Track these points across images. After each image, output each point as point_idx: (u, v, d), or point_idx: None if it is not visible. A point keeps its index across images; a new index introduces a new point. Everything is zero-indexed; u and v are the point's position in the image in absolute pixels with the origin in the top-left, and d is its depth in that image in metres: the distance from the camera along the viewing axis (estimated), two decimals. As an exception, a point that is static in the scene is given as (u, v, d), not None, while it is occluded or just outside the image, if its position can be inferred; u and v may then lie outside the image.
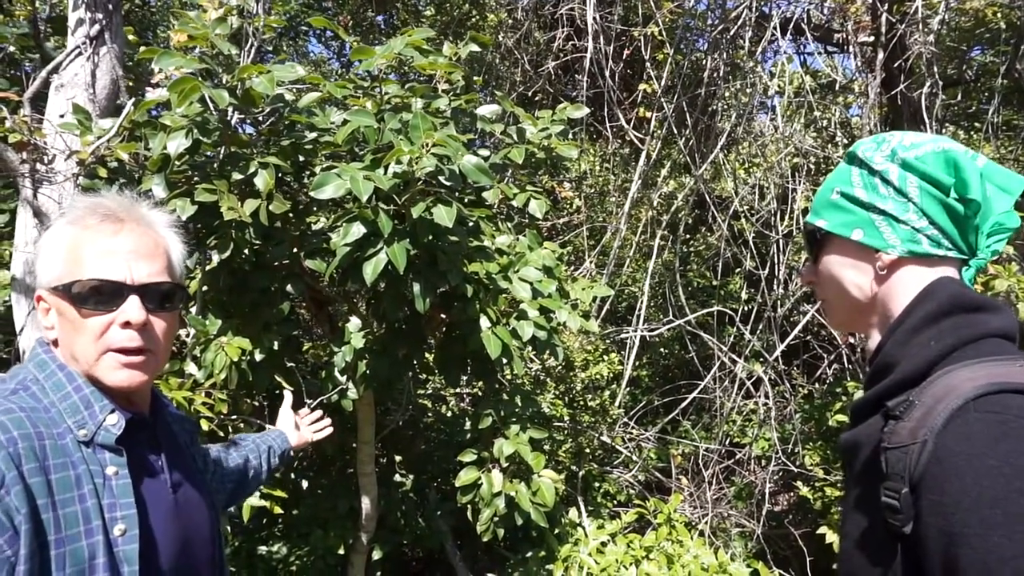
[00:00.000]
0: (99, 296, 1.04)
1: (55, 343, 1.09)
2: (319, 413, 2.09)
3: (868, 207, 0.96)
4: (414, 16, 6.96)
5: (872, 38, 4.57)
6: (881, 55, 4.11)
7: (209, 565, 1.22)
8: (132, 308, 1.05)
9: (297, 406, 2.61)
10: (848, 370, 5.25)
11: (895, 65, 4.17)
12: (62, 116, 2.58)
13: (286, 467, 3.54)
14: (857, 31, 4.81)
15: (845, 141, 5.25)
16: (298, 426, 1.99)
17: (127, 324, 1.05)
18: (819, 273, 1.06)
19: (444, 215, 2.06)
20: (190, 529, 1.17)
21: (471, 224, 2.48)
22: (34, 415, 0.99)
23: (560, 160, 2.93)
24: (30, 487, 0.92)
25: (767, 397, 5.03)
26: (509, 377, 2.94)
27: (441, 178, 2.17)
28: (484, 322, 2.44)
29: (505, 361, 2.45)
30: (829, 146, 5.99)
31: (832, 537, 3.62)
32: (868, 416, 0.93)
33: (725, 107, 5.61)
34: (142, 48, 2.31)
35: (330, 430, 2.07)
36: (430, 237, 2.23)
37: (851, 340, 4.27)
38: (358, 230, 2.10)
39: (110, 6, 2.75)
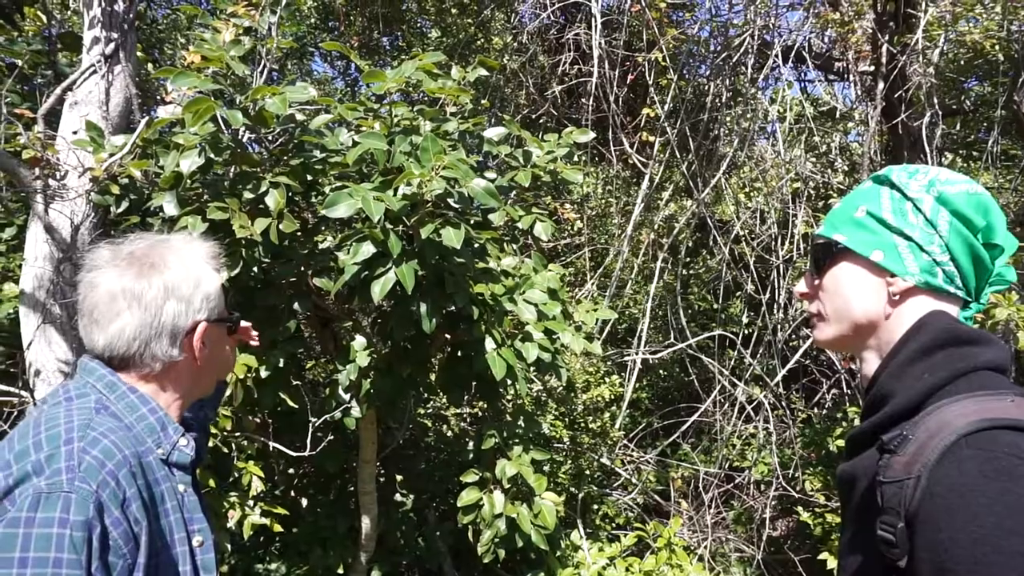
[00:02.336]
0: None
1: (192, 367, 1.18)
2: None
3: (894, 231, 0.97)
4: (419, 38, 7.05)
5: (872, 67, 4.64)
6: (882, 85, 4.17)
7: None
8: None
9: (301, 424, 2.61)
10: (847, 395, 5.27)
11: (896, 95, 4.23)
12: (75, 133, 2.61)
13: (287, 485, 3.53)
14: (857, 60, 4.89)
15: (845, 167, 5.31)
16: None
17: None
18: (821, 286, 1.06)
19: (452, 237, 2.09)
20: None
21: (477, 246, 2.50)
22: (127, 434, 1.06)
23: (565, 183, 2.96)
24: (144, 501, 1.00)
25: (767, 421, 5.03)
26: (510, 398, 2.95)
27: (450, 200, 2.20)
28: (489, 343, 2.46)
29: (509, 382, 2.46)
30: (829, 172, 6.05)
31: (833, 563, 3.61)
32: (864, 448, 0.93)
33: (727, 132, 5.67)
34: (151, 66, 2.35)
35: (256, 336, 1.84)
36: (437, 258, 2.25)
37: (852, 366, 4.27)
38: (368, 249, 2.13)
39: (125, 25, 2.79)
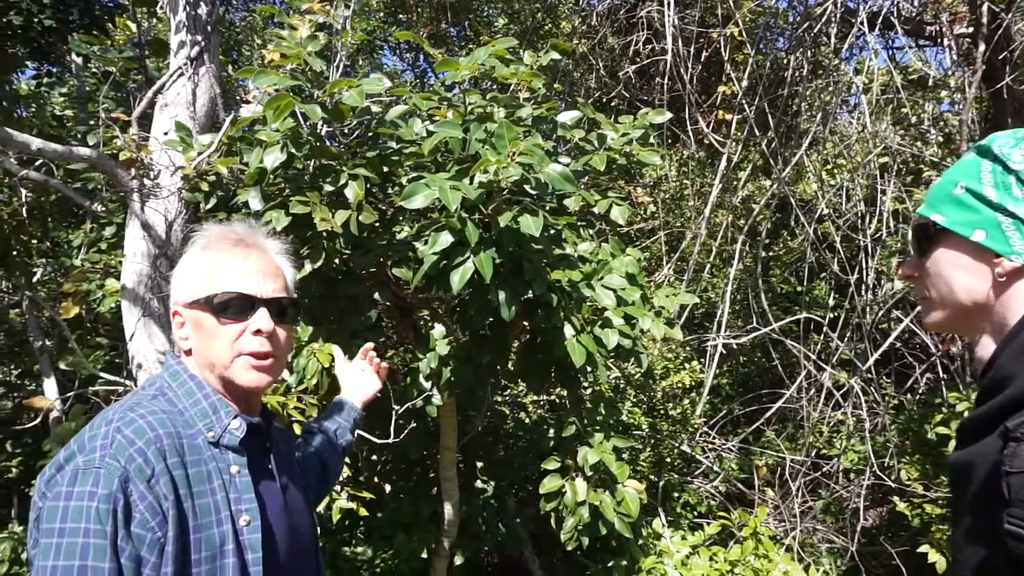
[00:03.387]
0: (235, 307, 1.18)
1: (188, 353, 1.22)
2: (372, 351, 1.83)
3: (996, 207, 0.89)
4: (486, 27, 7.04)
5: (971, 29, 4.33)
6: (983, 47, 3.88)
7: (314, 562, 1.33)
8: (262, 318, 1.19)
9: (383, 412, 2.64)
10: (943, 380, 4.97)
11: (999, 57, 3.93)
12: (166, 134, 2.73)
13: (370, 472, 3.61)
14: (952, 23, 4.57)
15: (940, 139, 4.99)
16: (357, 380, 1.79)
17: (258, 331, 1.18)
18: (925, 269, 0.99)
19: (531, 224, 2.07)
20: (298, 528, 1.27)
21: (554, 232, 2.48)
22: (173, 417, 1.11)
23: (641, 166, 2.89)
24: (174, 478, 1.04)
25: (856, 407, 4.81)
26: (588, 385, 2.92)
27: (526, 187, 2.18)
28: (568, 330, 2.43)
29: (589, 369, 2.43)
30: (920, 144, 5.70)
31: (935, 557, 3.43)
32: (981, 435, 0.86)
33: (807, 107, 5.42)
34: (230, 68, 2.42)
35: (385, 364, 1.87)
36: (515, 246, 2.24)
37: (953, 348, 4.03)
38: (446, 239, 2.13)
39: (209, 28, 2.89)
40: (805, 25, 4.66)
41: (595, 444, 2.61)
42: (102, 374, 2.85)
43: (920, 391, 5.57)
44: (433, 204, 2.24)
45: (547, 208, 2.65)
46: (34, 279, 4.68)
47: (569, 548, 2.62)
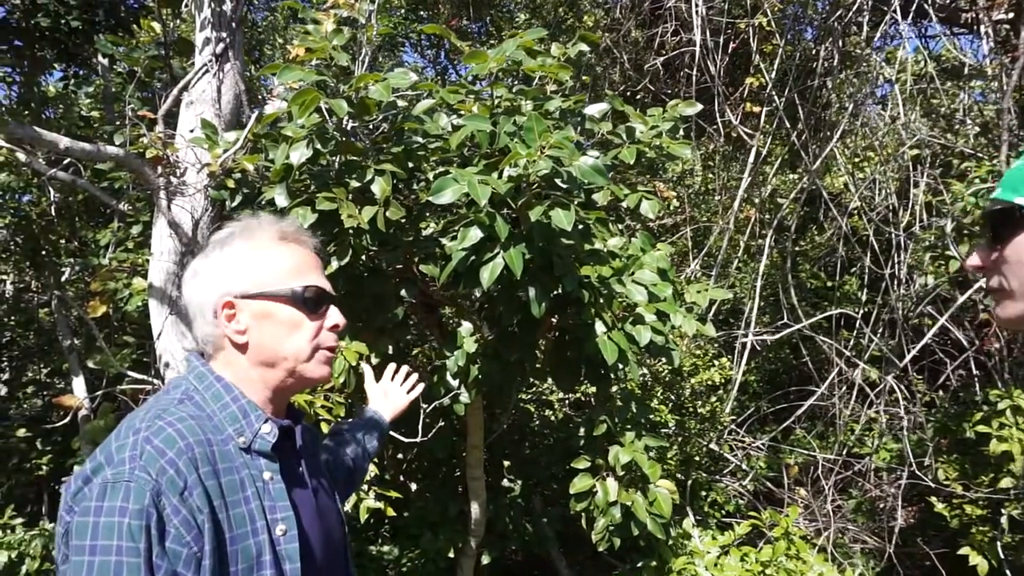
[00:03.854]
0: (319, 301, 1.16)
1: (243, 348, 1.15)
2: (406, 369, 1.89)
3: None
4: (508, 22, 6.99)
5: (1010, 15, 4.20)
6: None
7: (344, 564, 1.29)
8: (338, 314, 1.19)
9: (409, 411, 2.61)
10: (977, 376, 4.84)
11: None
12: (192, 131, 2.71)
13: (396, 470, 3.59)
14: (990, 8, 4.43)
15: (976, 128, 4.85)
16: (387, 393, 1.82)
17: (335, 327, 1.18)
18: (1002, 257, 0.91)
19: (563, 218, 2.02)
20: (330, 530, 1.23)
21: (583, 227, 2.43)
22: (202, 423, 1.06)
23: (672, 158, 2.83)
24: (207, 489, 0.99)
25: (889, 405, 4.71)
26: (616, 382, 2.86)
27: (557, 180, 2.13)
28: (599, 326, 2.38)
29: (621, 367, 2.38)
30: (951, 135, 5.55)
31: (976, 559, 3.33)
32: None
33: (837, 98, 5.30)
34: (253, 68, 2.39)
35: (422, 385, 1.90)
36: (545, 241, 2.19)
37: (995, 344, 3.91)
38: (475, 234, 2.09)
39: (233, 24, 2.88)
40: (837, 14, 4.54)
41: (626, 443, 2.56)
42: (129, 372, 2.85)
43: (951, 388, 5.43)
44: (460, 200, 2.21)
45: (575, 203, 2.60)
46: (63, 279, 4.73)
47: (601, 549, 2.57)
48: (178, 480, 0.96)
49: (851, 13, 4.68)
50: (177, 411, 1.05)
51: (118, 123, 3.88)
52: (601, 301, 2.41)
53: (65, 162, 3.43)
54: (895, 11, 4.51)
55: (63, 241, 4.79)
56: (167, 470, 0.96)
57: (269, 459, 1.10)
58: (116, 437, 1.01)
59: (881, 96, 5.79)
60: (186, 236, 2.62)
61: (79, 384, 4.50)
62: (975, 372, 4.96)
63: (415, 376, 1.88)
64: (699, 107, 2.89)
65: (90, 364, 4.26)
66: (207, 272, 1.16)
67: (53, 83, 4.95)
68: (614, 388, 2.84)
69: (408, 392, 1.86)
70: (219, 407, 1.10)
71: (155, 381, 2.66)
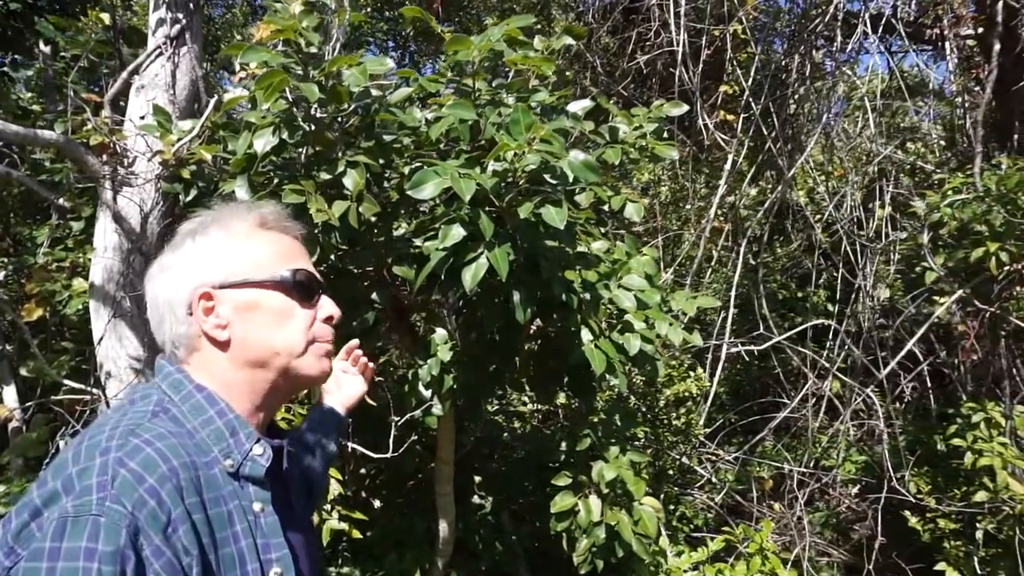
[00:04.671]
0: (307, 290, 1.01)
1: (224, 345, 0.96)
2: (357, 353, 1.58)
3: None
4: (476, 24, 6.85)
5: (980, 30, 4.24)
6: (997, 46, 3.78)
7: None
8: (332, 304, 1.04)
9: (376, 423, 2.41)
10: (931, 389, 4.86)
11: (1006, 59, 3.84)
12: (142, 118, 2.48)
13: (358, 486, 3.38)
14: (956, 24, 4.49)
15: (942, 143, 4.90)
16: (340, 384, 1.54)
17: (330, 319, 1.04)
18: None
19: (555, 216, 1.87)
20: (314, 559, 1.05)
21: (570, 228, 2.28)
22: (183, 441, 0.86)
23: (656, 160, 2.72)
24: (195, 524, 0.80)
25: (857, 417, 4.69)
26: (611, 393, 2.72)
27: (547, 176, 1.98)
28: (586, 334, 2.24)
29: (608, 377, 2.24)
30: (918, 148, 5.62)
31: (953, 574, 3.28)
32: None
33: (806, 110, 5.31)
34: (209, 64, 2.20)
35: (372, 367, 1.63)
36: (531, 241, 2.04)
37: (973, 356, 3.91)
38: (458, 232, 1.93)
39: (191, 5, 2.66)
40: (811, 25, 4.53)
41: (611, 459, 2.42)
42: (66, 381, 2.59)
43: (906, 400, 5.47)
44: (438, 197, 2.04)
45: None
46: (5, 279, 4.37)
47: (583, 571, 2.41)
48: (160, 514, 0.77)
49: (815, 25, 4.69)
50: (153, 426, 0.85)
51: (59, 111, 3.59)
52: (588, 307, 2.27)
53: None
54: (865, 23, 4.53)
55: (-3, 239, 4.45)
56: (147, 501, 0.76)
57: (260, 486, 0.91)
58: (74, 459, 0.79)
59: (847, 109, 5.85)
60: (133, 231, 2.38)
61: (10, 393, 4.15)
62: (929, 385, 4.99)
63: (364, 360, 1.60)
64: (685, 108, 2.79)
65: (23, 372, 3.93)
66: (178, 265, 0.98)
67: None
68: (604, 399, 2.70)
69: (363, 373, 1.57)
70: (200, 422, 0.90)
71: (94, 391, 2.41)
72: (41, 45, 4.19)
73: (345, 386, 1.52)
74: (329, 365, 1.03)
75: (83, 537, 0.72)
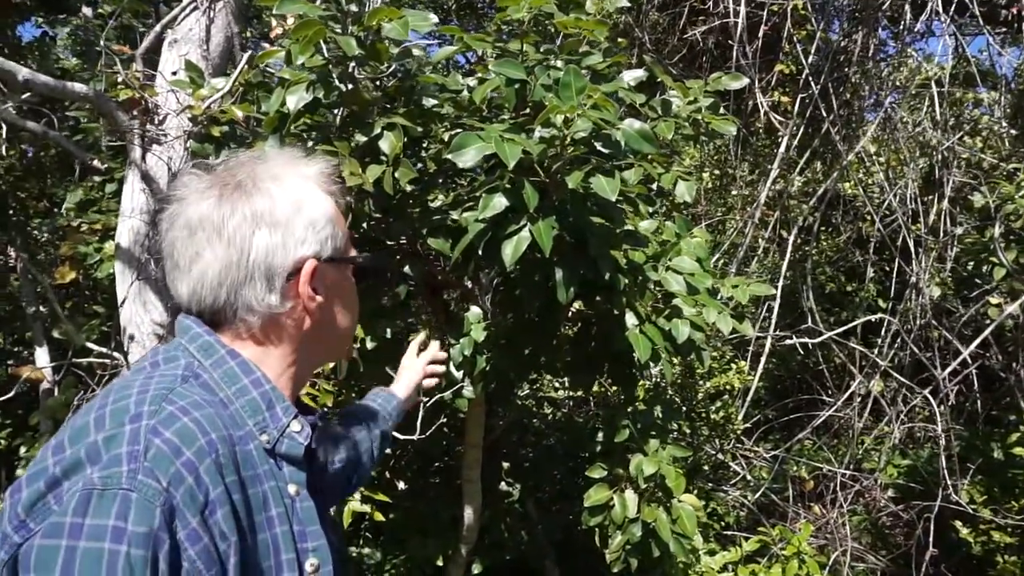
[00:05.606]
0: (364, 272, 0.97)
1: (312, 324, 0.86)
2: (422, 339, 1.58)
3: None
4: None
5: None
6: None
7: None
8: None
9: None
10: (976, 392, 4.60)
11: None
12: (174, 73, 2.38)
13: (384, 467, 3.28)
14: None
15: (1014, 132, 4.61)
16: (404, 368, 1.52)
17: None
18: None
19: (606, 187, 1.72)
20: (343, 556, 0.93)
21: (620, 202, 2.12)
22: (219, 411, 0.75)
23: (714, 136, 2.54)
24: (234, 506, 0.69)
25: (905, 419, 4.48)
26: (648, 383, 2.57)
27: (597, 145, 1.83)
28: (630, 319, 2.08)
29: (653, 365, 2.08)
30: (972, 139, 5.31)
31: (1010, 592, 3.08)
32: None
33: (865, 93, 5.03)
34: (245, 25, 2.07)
35: (436, 345, 1.60)
36: (579, 215, 1.89)
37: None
38: (500, 202, 1.78)
39: (229, -43, 2.54)
40: (879, 3, 4.26)
41: (651, 452, 2.27)
42: (90, 345, 2.52)
43: (951, 403, 5.20)
44: (479, 166, 1.90)
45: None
46: (39, 241, 4.37)
47: (615, 569, 2.28)
48: (198, 492, 0.67)
49: (883, 3, 4.42)
50: (186, 392, 0.73)
51: (96, 69, 3.53)
52: (635, 290, 2.11)
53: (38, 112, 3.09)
54: (936, 4, 4.25)
55: (33, 200, 4.43)
56: (184, 477, 0.66)
57: (298, 467, 0.80)
58: (97, 425, 0.68)
59: (907, 95, 5.54)
60: (162, 192, 2.29)
61: (42, 355, 4.15)
62: (975, 387, 4.72)
63: (435, 344, 1.56)
64: (745, 81, 2.59)
65: (55, 334, 3.91)
66: (283, 223, 0.82)
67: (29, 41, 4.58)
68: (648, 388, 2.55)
69: (423, 357, 1.53)
70: (235, 392, 0.78)
71: (116, 355, 2.33)
72: (84, 9, 4.15)
73: (408, 370, 1.50)
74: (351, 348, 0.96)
75: (111, 514, 0.62)
